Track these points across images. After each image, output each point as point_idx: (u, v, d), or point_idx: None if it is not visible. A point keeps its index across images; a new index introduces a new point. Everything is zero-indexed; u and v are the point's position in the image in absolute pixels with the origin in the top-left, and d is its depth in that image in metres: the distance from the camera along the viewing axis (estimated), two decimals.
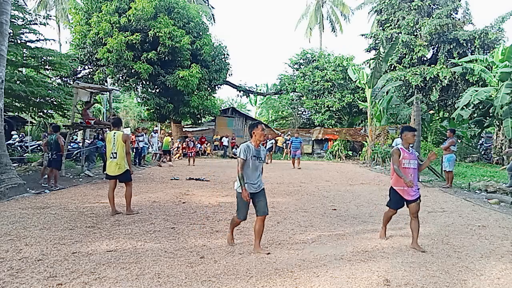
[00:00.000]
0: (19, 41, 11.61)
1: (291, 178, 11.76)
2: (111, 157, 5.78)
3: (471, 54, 19.49)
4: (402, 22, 22.55)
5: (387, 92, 20.12)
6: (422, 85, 20.90)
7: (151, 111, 22.85)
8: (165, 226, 5.09)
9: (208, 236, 4.67)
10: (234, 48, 76.80)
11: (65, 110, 13.50)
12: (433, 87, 21.22)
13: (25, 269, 3.39)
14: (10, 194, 7.12)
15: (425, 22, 21.45)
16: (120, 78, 20.97)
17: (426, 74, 20.48)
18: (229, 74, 24.69)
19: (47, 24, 11.91)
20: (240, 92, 27.82)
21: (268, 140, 22.12)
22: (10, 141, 15.64)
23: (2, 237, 4.38)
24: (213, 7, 33.81)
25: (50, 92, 11.73)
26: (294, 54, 28.09)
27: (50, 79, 17.17)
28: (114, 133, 5.86)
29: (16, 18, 11.16)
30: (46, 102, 12.69)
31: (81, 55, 19.55)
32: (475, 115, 17.72)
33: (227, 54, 23.67)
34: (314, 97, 24.64)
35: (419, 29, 22.06)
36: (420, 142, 15.81)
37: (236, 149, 22.73)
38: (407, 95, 21.98)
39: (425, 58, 22.67)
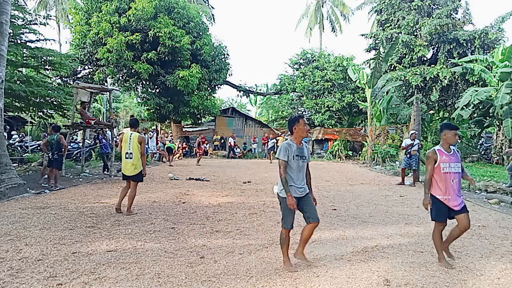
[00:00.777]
0: (19, 41, 11.61)
1: None
2: (126, 157, 5.84)
3: (471, 54, 19.48)
4: (402, 22, 22.55)
5: (387, 92, 20.12)
6: (422, 85, 20.90)
7: (151, 111, 22.86)
8: (165, 226, 5.09)
9: (208, 236, 4.67)
10: (234, 48, 76.87)
11: (65, 110, 13.50)
12: (433, 87, 21.22)
13: (25, 269, 3.38)
14: (10, 194, 7.12)
15: (425, 22, 21.44)
16: (120, 78, 20.97)
17: (426, 74, 20.48)
18: (229, 74, 24.70)
19: (47, 24, 11.92)
20: (240, 92, 27.83)
21: (269, 140, 22.19)
22: (10, 141, 15.64)
23: (2, 237, 4.38)
24: (213, 7, 33.86)
25: (50, 92, 11.72)
26: (294, 54, 28.12)
27: (50, 79, 17.16)
28: (131, 133, 5.88)
29: (16, 18, 11.16)
30: (46, 102, 12.68)
31: (81, 55, 19.55)
32: (475, 115, 17.72)
33: (227, 54, 23.69)
34: (314, 97, 24.65)
35: (419, 29, 22.05)
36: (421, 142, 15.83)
37: (236, 149, 22.80)
38: (407, 95, 21.97)
39: (425, 58, 22.66)
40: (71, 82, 18.68)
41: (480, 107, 17.02)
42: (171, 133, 22.24)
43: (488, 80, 16.28)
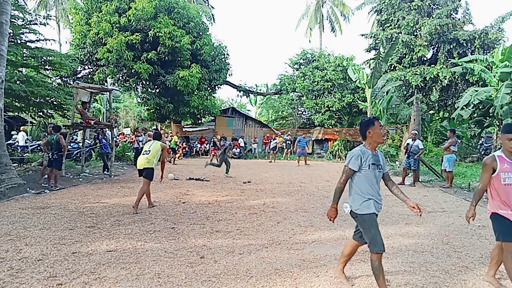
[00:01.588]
0: (19, 41, 11.60)
1: (291, 178, 11.76)
2: (143, 154, 6.42)
3: (471, 54, 19.49)
4: (402, 22, 22.57)
5: (387, 92, 20.13)
6: (422, 85, 20.91)
7: (151, 111, 22.86)
8: (165, 226, 5.09)
9: (208, 236, 4.67)
10: (234, 48, 76.78)
11: (65, 110, 13.49)
12: (433, 87, 21.24)
13: (25, 269, 3.39)
14: (10, 194, 7.12)
15: (425, 22, 21.46)
16: (120, 78, 20.97)
17: (426, 74, 20.49)
18: (229, 74, 24.69)
19: (47, 24, 11.90)
20: (240, 92, 27.83)
21: (271, 140, 22.22)
22: (10, 141, 15.63)
23: (2, 237, 4.38)
24: (213, 7, 33.88)
25: (50, 92, 11.71)
26: (294, 54, 28.12)
27: (50, 79, 17.16)
28: (153, 142, 6.54)
29: (16, 18, 11.15)
30: (46, 102, 12.67)
31: (81, 55, 19.55)
32: (475, 115, 17.72)
33: (227, 54, 23.68)
34: (314, 97, 24.65)
35: (419, 29, 22.07)
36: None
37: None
38: (407, 95, 21.99)
39: (425, 58, 22.68)
40: (71, 82, 18.67)
41: (480, 107, 17.02)
42: (171, 132, 22.25)
43: (488, 80, 16.28)
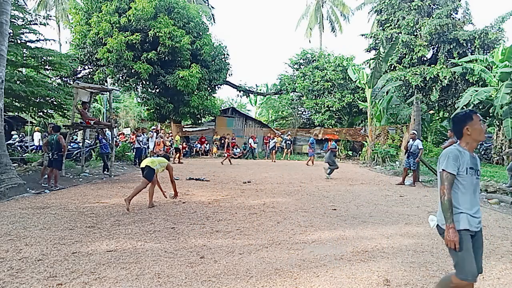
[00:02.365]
0: (19, 41, 11.60)
1: (291, 178, 11.77)
2: (150, 156, 6.68)
3: (471, 54, 19.51)
4: (402, 22, 22.57)
5: (387, 92, 20.13)
6: (422, 85, 20.91)
7: (151, 111, 22.87)
8: (165, 226, 5.09)
9: (208, 236, 4.67)
10: (234, 48, 76.81)
11: (65, 110, 13.49)
12: (433, 87, 21.24)
13: (25, 269, 3.39)
14: (10, 194, 7.12)
15: (425, 22, 21.47)
16: (120, 78, 20.97)
17: (426, 74, 20.50)
18: (229, 74, 24.70)
19: (47, 24, 11.89)
20: (240, 92, 27.83)
21: (271, 140, 22.23)
22: (10, 141, 15.64)
23: (2, 237, 4.38)
24: (213, 7, 33.88)
25: (50, 92, 11.71)
26: (294, 54, 28.15)
27: (50, 79, 17.15)
28: (164, 159, 6.97)
29: (16, 18, 11.15)
30: (46, 102, 12.67)
31: (81, 55, 19.55)
32: None
33: (227, 54, 23.69)
34: (314, 97, 24.66)
35: (419, 29, 22.08)
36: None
37: (236, 149, 22.72)
38: (407, 95, 21.99)
39: (425, 58, 22.69)
40: (71, 82, 18.68)
41: (480, 107, 17.03)
42: (170, 132, 22.26)
43: (488, 80, 16.29)
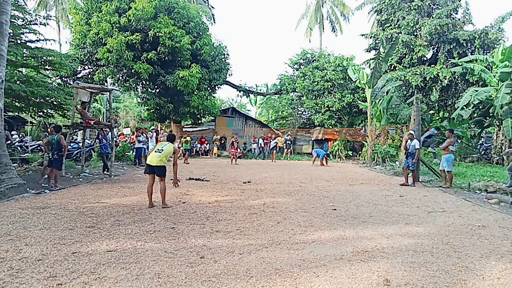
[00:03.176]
0: (19, 41, 11.59)
1: (291, 178, 11.77)
2: (155, 152, 6.49)
3: (471, 54, 19.50)
4: (402, 22, 22.57)
5: (387, 92, 20.14)
6: (422, 85, 20.92)
7: (151, 111, 22.85)
8: (165, 226, 5.09)
9: (208, 236, 4.67)
10: (234, 48, 76.88)
11: (65, 110, 13.49)
12: (433, 87, 21.25)
13: (25, 269, 3.39)
14: (10, 194, 7.12)
15: (425, 22, 21.47)
16: (120, 78, 20.96)
17: (426, 74, 20.50)
18: (229, 74, 24.69)
19: (47, 24, 11.89)
20: (240, 92, 27.82)
21: (271, 140, 22.24)
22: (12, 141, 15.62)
23: (2, 237, 4.38)
24: (213, 7, 33.84)
25: (50, 92, 11.71)
26: (294, 54, 28.13)
27: (50, 79, 17.15)
28: (167, 143, 6.69)
29: (16, 18, 11.14)
30: (46, 102, 12.67)
31: (81, 55, 19.55)
32: (475, 115, 17.72)
33: (227, 54, 23.68)
34: (314, 97, 24.65)
35: (419, 29, 22.08)
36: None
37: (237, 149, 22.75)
38: (407, 95, 21.99)
39: (425, 58, 22.69)
40: (71, 82, 18.68)
41: (480, 107, 17.02)
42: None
43: (488, 80, 16.28)
